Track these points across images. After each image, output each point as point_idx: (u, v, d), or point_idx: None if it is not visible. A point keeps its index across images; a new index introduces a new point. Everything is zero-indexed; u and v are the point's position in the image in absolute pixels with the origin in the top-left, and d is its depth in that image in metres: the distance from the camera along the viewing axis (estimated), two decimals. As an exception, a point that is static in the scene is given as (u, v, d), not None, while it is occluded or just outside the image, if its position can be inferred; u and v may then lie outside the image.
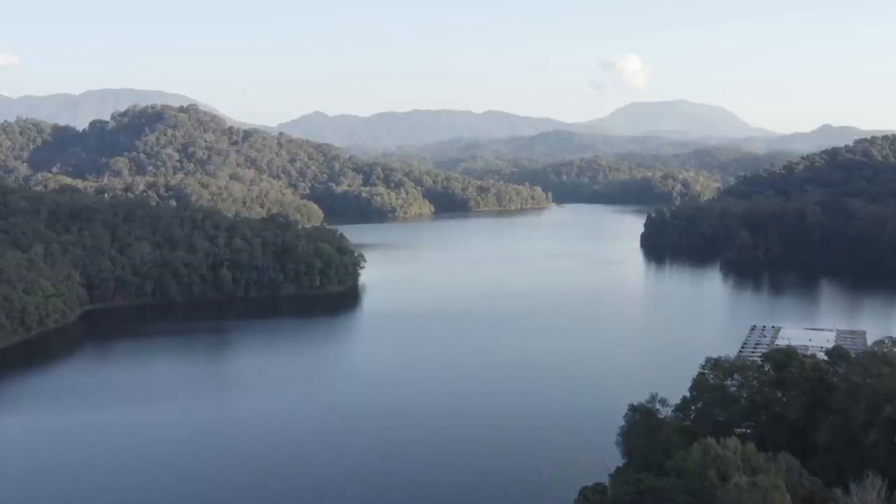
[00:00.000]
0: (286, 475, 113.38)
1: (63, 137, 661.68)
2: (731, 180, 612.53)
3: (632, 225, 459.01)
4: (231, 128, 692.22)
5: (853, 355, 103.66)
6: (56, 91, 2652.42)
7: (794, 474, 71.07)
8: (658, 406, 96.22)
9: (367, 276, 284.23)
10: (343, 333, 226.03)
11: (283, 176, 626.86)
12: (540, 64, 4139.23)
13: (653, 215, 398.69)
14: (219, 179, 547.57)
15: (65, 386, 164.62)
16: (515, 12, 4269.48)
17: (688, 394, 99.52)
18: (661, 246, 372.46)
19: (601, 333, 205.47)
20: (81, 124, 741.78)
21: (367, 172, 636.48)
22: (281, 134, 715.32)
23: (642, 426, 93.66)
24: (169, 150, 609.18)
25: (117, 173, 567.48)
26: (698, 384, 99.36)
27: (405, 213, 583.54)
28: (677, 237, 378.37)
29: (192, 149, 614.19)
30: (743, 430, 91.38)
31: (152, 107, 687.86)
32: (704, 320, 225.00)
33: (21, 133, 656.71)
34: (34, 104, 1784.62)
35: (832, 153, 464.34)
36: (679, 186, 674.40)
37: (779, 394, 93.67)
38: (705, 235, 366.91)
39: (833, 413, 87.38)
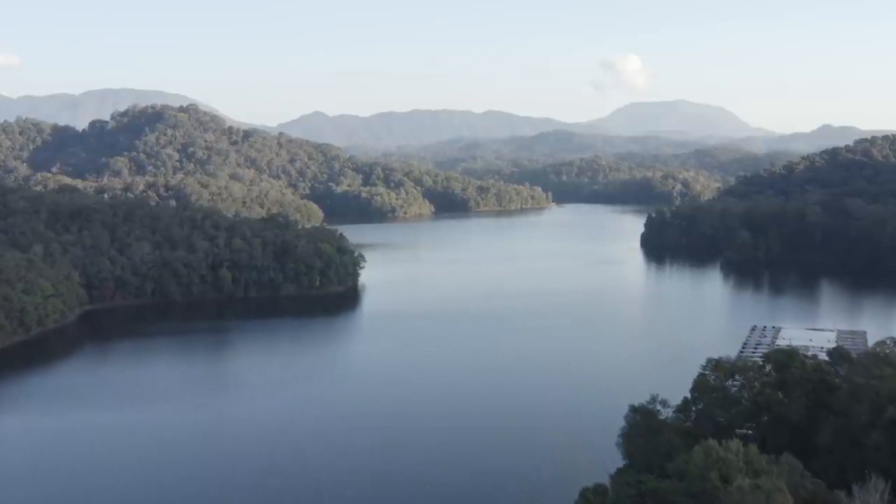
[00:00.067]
0: (286, 475, 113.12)
1: (63, 137, 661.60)
2: (732, 180, 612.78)
3: (632, 225, 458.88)
4: (231, 128, 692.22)
5: (854, 356, 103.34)
6: (56, 91, 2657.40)
7: (797, 476, 70.80)
8: (659, 407, 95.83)
9: (367, 277, 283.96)
10: (343, 333, 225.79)
11: (282, 176, 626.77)
12: (540, 64, 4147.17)
13: (653, 215, 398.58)
14: (219, 179, 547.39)
15: (64, 386, 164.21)
16: (515, 12, 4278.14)
17: (689, 395, 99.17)
18: (661, 246, 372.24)
19: (601, 333, 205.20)
20: (81, 124, 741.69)
21: (367, 172, 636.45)
22: (281, 134, 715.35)
23: (643, 427, 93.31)
24: (169, 150, 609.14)
25: (117, 173, 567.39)
26: (699, 385, 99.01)
27: (405, 213, 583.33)
28: (677, 237, 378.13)
29: (191, 149, 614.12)
30: (744, 431, 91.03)
31: (152, 107, 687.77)
32: (705, 320, 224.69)
33: (21, 133, 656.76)
34: (34, 104, 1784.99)
35: (832, 153, 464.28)
36: (679, 186, 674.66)
37: (780, 395, 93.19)
38: (705, 235, 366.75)
39: (835, 414, 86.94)
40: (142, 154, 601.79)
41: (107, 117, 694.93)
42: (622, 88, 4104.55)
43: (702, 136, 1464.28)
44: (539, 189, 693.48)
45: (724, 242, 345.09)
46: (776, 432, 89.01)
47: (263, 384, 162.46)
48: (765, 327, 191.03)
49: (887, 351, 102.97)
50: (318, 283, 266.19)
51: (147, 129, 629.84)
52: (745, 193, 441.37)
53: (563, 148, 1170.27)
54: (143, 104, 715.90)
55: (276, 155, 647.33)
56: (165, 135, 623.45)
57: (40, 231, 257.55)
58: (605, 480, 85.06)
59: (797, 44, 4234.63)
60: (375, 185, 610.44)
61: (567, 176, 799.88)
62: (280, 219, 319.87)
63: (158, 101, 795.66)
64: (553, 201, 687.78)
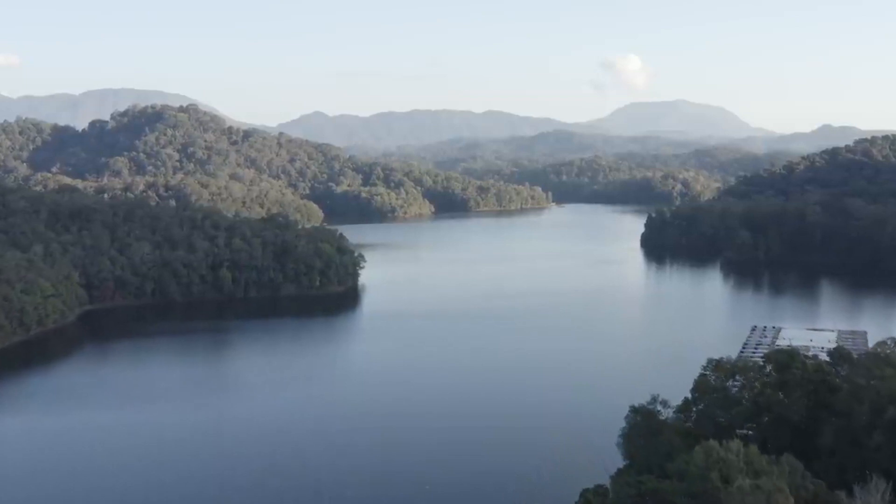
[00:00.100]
0: (286, 475, 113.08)
1: (63, 137, 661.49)
2: (731, 180, 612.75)
3: (632, 225, 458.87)
4: (231, 128, 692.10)
5: (855, 356, 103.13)
6: (56, 91, 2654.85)
7: (798, 477, 70.69)
8: (659, 407, 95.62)
9: (366, 277, 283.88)
10: (343, 333, 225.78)
11: (282, 176, 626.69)
12: (540, 64, 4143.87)
13: (653, 215, 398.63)
14: (218, 179, 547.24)
15: (64, 386, 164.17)
16: (515, 12, 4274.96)
17: (689, 395, 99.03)
18: (661, 246, 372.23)
19: (601, 333, 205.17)
20: (81, 124, 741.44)
21: (366, 172, 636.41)
22: (281, 134, 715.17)
23: (643, 428, 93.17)
24: (169, 150, 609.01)
25: (117, 173, 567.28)
26: (700, 385, 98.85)
27: (405, 213, 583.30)
28: (677, 237, 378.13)
29: (191, 149, 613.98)
30: (745, 431, 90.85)
31: (152, 107, 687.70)
32: (705, 320, 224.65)
33: (21, 133, 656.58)
34: (34, 104, 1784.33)
35: (832, 153, 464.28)
36: (679, 186, 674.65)
37: (781, 395, 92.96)
38: (705, 235, 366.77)
39: (836, 415, 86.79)
40: (142, 154, 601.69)
41: (107, 117, 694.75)
42: (622, 88, 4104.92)
43: (702, 136, 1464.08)
44: (539, 189, 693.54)
45: (724, 242, 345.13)
46: (777, 433, 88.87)
47: (263, 384, 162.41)
48: (765, 327, 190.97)
49: (888, 351, 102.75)
50: (318, 283, 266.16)
51: (147, 129, 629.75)
52: (745, 193, 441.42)
53: (563, 148, 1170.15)
54: (143, 104, 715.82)
55: (276, 155, 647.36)
56: (165, 135, 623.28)
57: (40, 231, 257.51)
58: (606, 481, 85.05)
59: (797, 44, 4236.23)
60: (375, 185, 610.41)
61: (567, 176, 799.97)
62: (280, 219, 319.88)
63: (158, 101, 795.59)
64: (553, 201, 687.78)
